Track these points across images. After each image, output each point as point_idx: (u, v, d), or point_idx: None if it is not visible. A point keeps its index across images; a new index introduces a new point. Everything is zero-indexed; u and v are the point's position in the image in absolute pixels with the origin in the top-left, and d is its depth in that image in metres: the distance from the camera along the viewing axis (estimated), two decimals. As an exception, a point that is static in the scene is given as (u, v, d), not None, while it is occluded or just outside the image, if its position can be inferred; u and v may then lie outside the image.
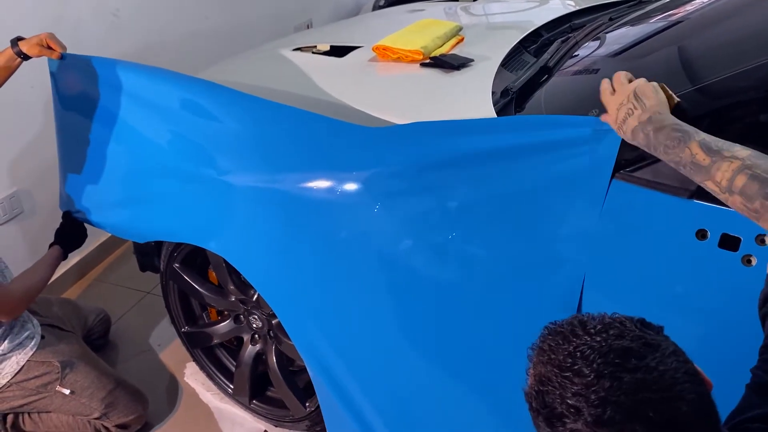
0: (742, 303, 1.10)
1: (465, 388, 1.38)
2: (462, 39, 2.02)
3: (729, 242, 1.10)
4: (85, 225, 2.02)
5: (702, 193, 1.13)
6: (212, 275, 1.97)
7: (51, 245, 1.98)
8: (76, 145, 1.87)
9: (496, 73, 1.69)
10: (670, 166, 1.13)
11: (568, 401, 0.67)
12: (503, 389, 1.34)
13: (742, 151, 0.94)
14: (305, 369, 1.93)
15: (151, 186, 1.73)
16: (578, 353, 0.69)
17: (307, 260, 1.49)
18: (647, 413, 0.64)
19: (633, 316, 0.74)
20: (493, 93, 1.58)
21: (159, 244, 1.97)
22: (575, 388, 0.67)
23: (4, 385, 1.85)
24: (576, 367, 0.68)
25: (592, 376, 0.67)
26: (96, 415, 1.95)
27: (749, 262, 1.09)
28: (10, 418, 1.95)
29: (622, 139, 1.16)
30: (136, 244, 2.05)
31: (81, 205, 1.93)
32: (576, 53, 1.76)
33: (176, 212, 1.70)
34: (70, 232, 2.00)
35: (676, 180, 1.15)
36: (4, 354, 1.84)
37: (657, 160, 1.17)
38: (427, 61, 1.83)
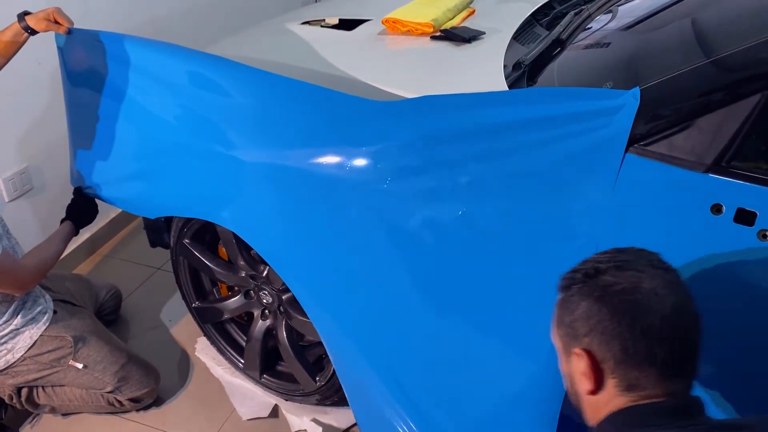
0: (758, 278, 1.10)
1: (477, 357, 1.38)
2: (473, 11, 1.99)
3: (745, 217, 1.09)
4: (96, 201, 2.02)
5: (718, 167, 1.12)
6: (222, 251, 1.98)
7: (62, 221, 1.99)
8: (85, 121, 1.86)
9: (508, 46, 1.67)
10: (685, 140, 1.12)
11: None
12: (518, 359, 1.35)
13: None
14: (315, 344, 1.95)
15: (162, 161, 1.73)
16: None
17: (319, 234, 1.49)
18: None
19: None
20: (504, 66, 1.56)
21: (169, 221, 1.98)
22: None
23: (18, 359, 1.87)
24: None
25: None
26: (109, 388, 1.97)
27: (765, 237, 1.08)
28: (24, 391, 1.98)
29: (637, 112, 1.15)
30: (146, 221, 2.05)
31: (91, 180, 1.93)
32: (589, 26, 1.73)
33: (187, 187, 1.70)
34: (82, 207, 2.01)
35: (692, 154, 1.13)
36: (18, 329, 1.85)
37: (671, 134, 1.16)
38: (438, 34, 1.81)
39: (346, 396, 1.64)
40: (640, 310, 0.82)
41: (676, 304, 0.83)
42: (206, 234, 1.93)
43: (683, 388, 0.84)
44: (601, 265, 0.86)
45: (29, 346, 1.87)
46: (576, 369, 0.87)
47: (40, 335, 1.88)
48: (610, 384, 0.85)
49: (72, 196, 2.02)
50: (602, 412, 0.85)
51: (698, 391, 1.23)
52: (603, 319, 0.83)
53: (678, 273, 0.88)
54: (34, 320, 1.88)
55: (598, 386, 0.85)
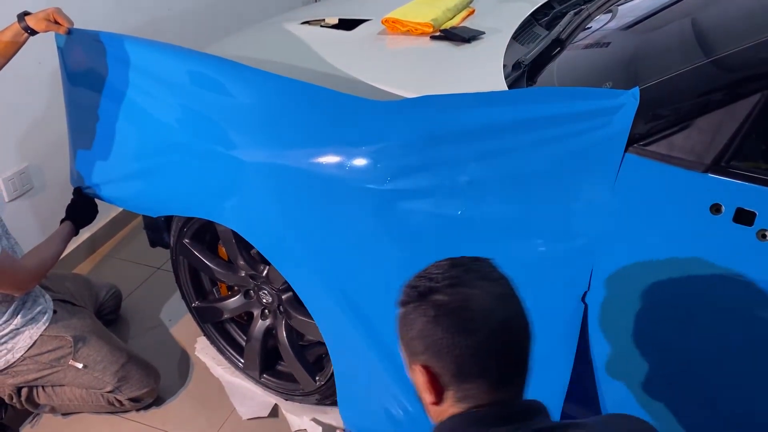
0: (757, 278, 1.10)
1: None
2: (473, 11, 1.99)
3: (744, 217, 1.09)
4: (96, 201, 2.02)
5: (717, 167, 1.12)
6: (222, 250, 1.98)
7: (62, 221, 1.99)
8: (85, 121, 1.86)
9: (508, 46, 1.67)
10: (684, 140, 1.12)
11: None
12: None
13: None
14: (315, 343, 1.95)
15: (162, 161, 1.73)
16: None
17: (319, 233, 1.49)
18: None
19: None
20: (504, 66, 1.56)
21: (169, 220, 1.98)
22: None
23: (18, 359, 1.87)
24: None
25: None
26: (109, 388, 1.97)
27: (764, 236, 1.08)
28: (24, 391, 1.98)
29: (637, 112, 1.15)
30: (146, 220, 2.05)
31: (91, 180, 1.93)
32: (589, 26, 1.73)
33: (187, 187, 1.70)
34: (81, 208, 2.01)
35: (691, 154, 1.13)
36: (18, 329, 1.85)
37: (671, 134, 1.16)
38: (438, 33, 1.81)
39: (337, 389, 1.65)
40: (470, 328, 0.84)
41: (505, 318, 0.86)
42: (206, 234, 1.93)
43: (513, 395, 0.88)
44: (433, 284, 0.88)
45: (29, 345, 1.87)
46: (417, 382, 0.90)
47: (40, 335, 1.88)
48: (449, 395, 0.88)
49: (72, 197, 2.02)
50: (443, 417, 0.90)
51: (701, 390, 1.24)
52: (437, 339, 0.86)
53: (509, 282, 0.90)
54: (33, 320, 1.89)
55: (438, 399, 0.89)
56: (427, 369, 0.87)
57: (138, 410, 2.07)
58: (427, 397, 0.89)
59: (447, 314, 0.85)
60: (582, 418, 0.94)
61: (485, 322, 0.85)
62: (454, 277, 0.88)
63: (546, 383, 1.34)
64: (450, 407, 0.89)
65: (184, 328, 2.36)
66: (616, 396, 1.35)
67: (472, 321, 0.85)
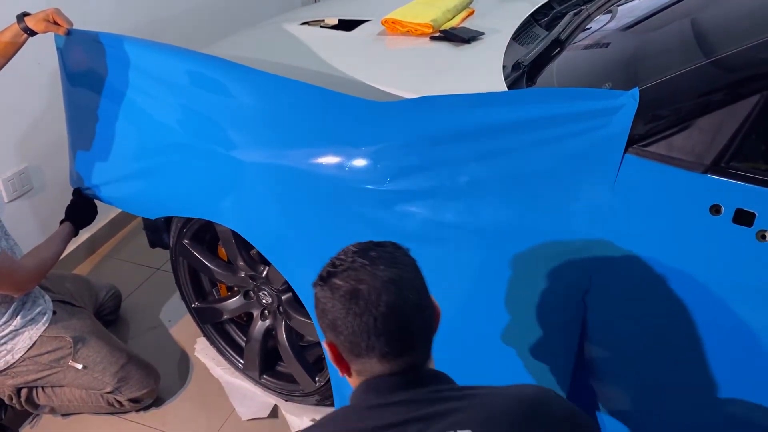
0: (757, 278, 1.10)
1: (476, 354, 1.40)
2: (472, 12, 1.99)
3: (743, 217, 1.09)
4: (96, 202, 2.02)
5: (716, 168, 1.12)
6: (221, 251, 1.98)
7: (62, 222, 1.99)
8: (85, 122, 1.86)
9: (507, 46, 1.67)
10: (683, 140, 1.12)
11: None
12: (520, 354, 1.35)
13: None
14: (314, 344, 1.95)
15: (162, 161, 1.72)
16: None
17: (319, 234, 1.49)
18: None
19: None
20: (504, 66, 1.56)
21: (168, 221, 1.98)
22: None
23: (18, 360, 1.87)
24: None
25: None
26: (108, 389, 1.97)
27: (764, 237, 1.08)
28: (24, 392, 1.98)
29: (636, 113, 1.15)
30: (145, 221, 2.05)
31: (91, 181, 1.93)
32: (588, 26, 1.73)
33: (187, 187, 1.70)
34: (81, 208, 2.01)
35: (690, 154, 1.13)
36: (17, 329, 1.85)
37: (670, 134, 1.16)
38: (437, 34, 1.81)
39: (333, 392, 1.66)
40: (356, 312, 0.92)
41: (390, 303, 0.92)
42: (206, 234, 1.93)
43: (407, 366, 0.95)
44: (333, 268, 0.96)
45: (29, 346, 1.87)
46: (329, 356, 0.99)
47: (40, 336, 1.88)
48: (352, 368, 0.98)
49: (71, 197, 2.02)
50: (353, 385, 1.00)
51: (701, 390, 1.24)
52: (333, 319, 0.94)
53: (407, 267, 0.97)
54: (33, 321, 1.88)
55: (346, 372, 0.99)
56: (331, 345, 0.97)
57: (138, 411, 2.07)
58: (339, 370, 1.00)
59: (339, 297, 0.93)
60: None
61: (369, 306, 0.92)
62: (352, 262, 0.95)
63: (547, 383, 1.35)
64: (356, 379, 0.98)
65: (183, 328, 2.36)
66: (616, 395, 1.36)
67: (357, 305, 0.92)
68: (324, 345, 1.00)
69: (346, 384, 1.53)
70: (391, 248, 0.98)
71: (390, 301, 0.92)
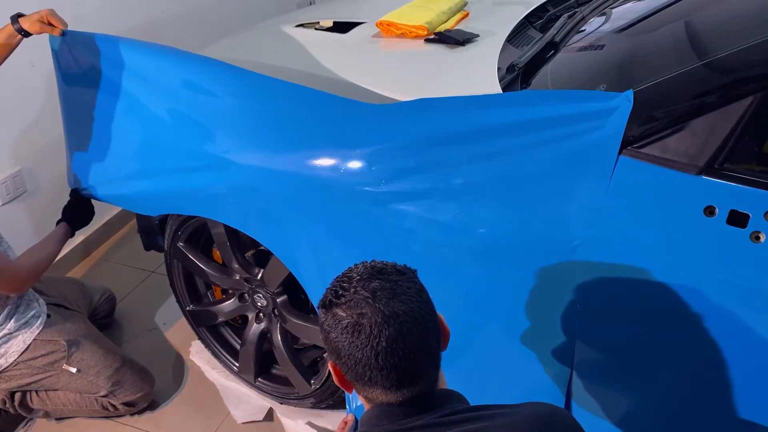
0: (751, 279, 1.10)
1: (472, 356, 1.39)
2: (467, 14, 2.00)
3: (737, 219, 1.09)
4: (93, 203, 2.01)
5: (711, 169, 1.12)
6: (216, 254, 1.97)
7: (58, 222, 1.98)
8: (81, 123, 1.85)
9: (502, 48, 1.68)
10: (678, 142, 1.12)
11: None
12: (514, 357, 1.35)
13: None
14: (310, 347, 1.95)
15: (159, 161, 1.71)
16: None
17: (317, 233, 1.49)
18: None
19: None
20: (498, 69, 1.56)
21: (163, 223, 1.97)
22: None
23: (11, 363, 1.86)
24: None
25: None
26: (103, 392, 1.96)
27: (758, 238, 1.08)
28: (17, 396, 1.97)
29: (630, 115, 1.15)
30: (140, 223, 2.05)
31: (88, 182, 1.92)
32: (583, 28, 1.74)
33: (184, 186, 1.68)
34: (78, 209, 2.00)
35: (685, 156, 1.14)
36: (11, 333, 1.84)
37: (665, 136, 1.16)
38: (432, 36, 1.82)
39: (347, 395, 1.64)
40: (358, 345, 0.92)
41: (392, 338, 0.91)
42: (200, 237, 1.93)
43: (415, 393, 0.94)
44: (336, 298, 0.95)
45: (22, 350, 1.86)
46: (334, 377, 1.00)
47: (34, 339, 1.87)
48: (360, 394, 0.98)
49: (68, 198, 2.01)
50: (365, 404, 1.00)
51: (697, 391, 1.24)
52: (336, 346, 0.94)
53: (406, 300, 0.94)
54: (27, 324, 1.88)
55: (351, 390, 0.99)
56: (335, 368, 0.97)
57: (132, 415, 2.06)
58: (344, 388, 1.00)
59: (342, 329, 0.93)
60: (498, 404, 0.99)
61: (371, 341, 0.91)
62: (354, 293, 0.94)
63: (544, 385, 1.35)
64: (364, 400, 0.98)
65: (178, 331, 2.35)
66: (614, 395, 1.36)
67: (359, 339, 0.91)
68: (329, 366, 1.00)
69: None
70: (395, 276, 0.96)
71: (391, 335, 0.91)
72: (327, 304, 0.96)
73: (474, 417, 0.92)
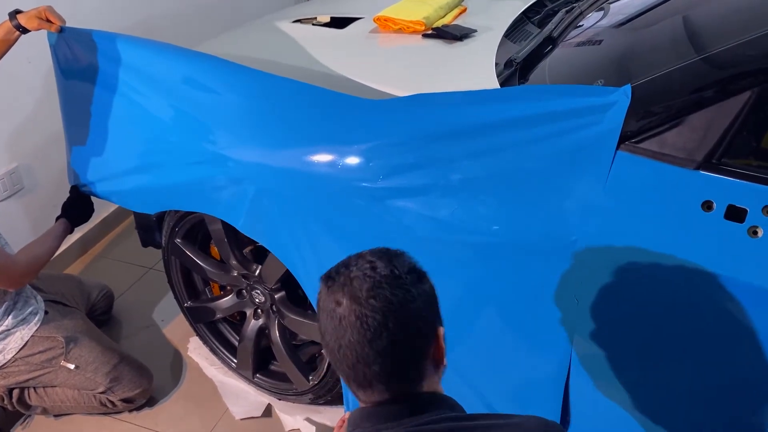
0: (749, 274, 1.10)
1: (473, 353, 1.39)
2: (465, 9, 2.00)
3: (735, 213, 1.09)
4: (92, 199, 2.01)
5: (708, 164, 1.12)
6: (214, 250, 1.97)
7: (57, 218, 1.98)
8: (80, 119, 1.85)
9: (500, 43, 1.68)
10: (675, 137, 1.12)
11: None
12: (517, 353, 1.35)
13: None
14: (308, 343, 1.95)
15: (158, 157, 1.71)
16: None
17: (316, 231, 1.48)
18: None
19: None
20: (496, 64, 1.56)
21: (160, 220, 1.97)
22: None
23: (9, 360, 1.86)
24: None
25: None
26: (101, 389, 1.96)
27: (755, 233, 1.08)
28: (15, 392, 1.97)
29: (628, 109, 1.15)
30: (137, 220, 2.04)
31: (87, 178, 1.92)
32: (580, 24, 1.74)
33: (184, 182, 1.68)
34: (78, 205, 1.99)
35: (683, 151, 1.14)
36: (9, 330, 1.84)
37: (662, 131, 1.16)
38: (429, 32, 1.81)
39: (344, 392, 1.64)
40: (331, 332, 0.90)
41: (355, 340, 0.88)
42: (198, 233, 1.93)
43: (387, 395, 0.92)
44: (327, 277, 0.94)
45: (20, 347, 1.86)
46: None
47: (32, 336, 1.87)
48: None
49: (68, 194, 2.00)
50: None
51: (695, 388, 1.24)
52: (321, 328, 0.93)
53: (381, 297, 0.89)
54: (25, 321, 1.87)
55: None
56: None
57: (130, 411, 2.06)
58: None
59: (321, 311, 0.92)
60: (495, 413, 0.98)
61: (337, 331, 0.90)
62: (344, 277, 0.91)
63: (542, 381, 1.35)
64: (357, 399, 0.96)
65: (176, 328, 2.35)
66: (612, 390, 1.36)
67: (332, 324, 0.90)
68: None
69: None
70: (383, 273, 0.91)
71: (354, 338, 0.88)
72: (322, 278, 0.94)
73: (459, 427, 0.89)
